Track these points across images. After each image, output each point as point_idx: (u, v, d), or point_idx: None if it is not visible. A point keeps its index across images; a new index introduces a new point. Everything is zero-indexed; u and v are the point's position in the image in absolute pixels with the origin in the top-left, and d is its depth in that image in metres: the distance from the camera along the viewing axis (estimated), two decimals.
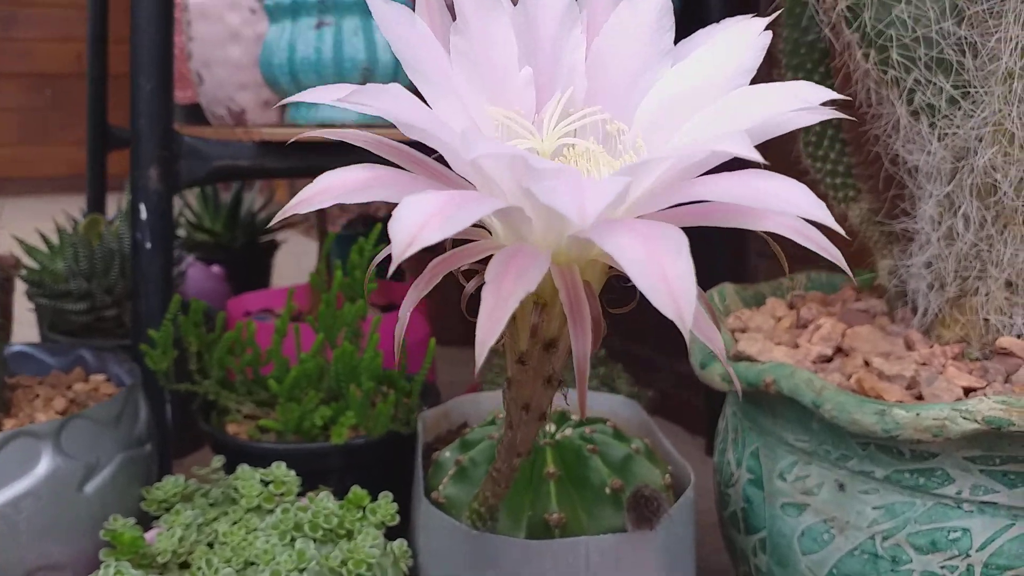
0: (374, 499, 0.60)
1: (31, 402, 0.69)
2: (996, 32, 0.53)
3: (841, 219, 0.69)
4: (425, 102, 0.33)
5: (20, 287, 1.08)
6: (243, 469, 0.64)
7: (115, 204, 1.20)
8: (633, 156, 0.34)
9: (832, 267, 0.78)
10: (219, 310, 0.90)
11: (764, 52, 0.33)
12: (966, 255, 0.57)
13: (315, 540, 0.57)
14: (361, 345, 0.77)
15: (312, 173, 0.31)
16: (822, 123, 0.68)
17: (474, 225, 0.36)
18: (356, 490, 0.60)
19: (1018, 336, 0.55)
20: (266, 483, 0.63)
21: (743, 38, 0.33)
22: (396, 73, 0.82)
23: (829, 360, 0.60)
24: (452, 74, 0.34)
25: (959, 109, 0.56)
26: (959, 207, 0.56)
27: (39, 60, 3.59)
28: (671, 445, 0.63)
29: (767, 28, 0.33)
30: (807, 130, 0.69)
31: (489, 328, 0.25)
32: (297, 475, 0.63)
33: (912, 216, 0.62)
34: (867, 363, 0.57)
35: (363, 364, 0.73)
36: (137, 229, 0.76)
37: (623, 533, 0.52)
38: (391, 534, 0.60)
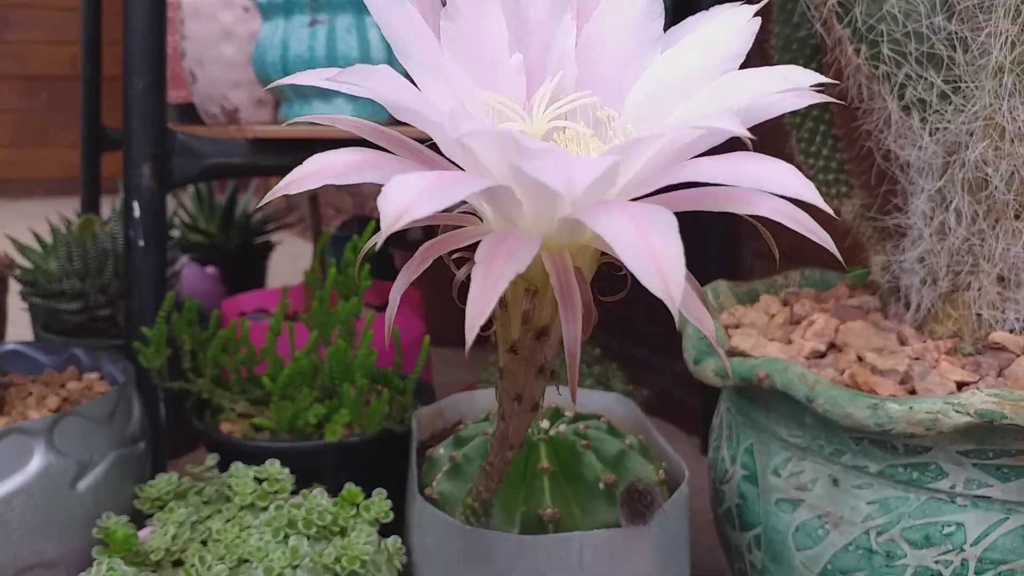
0: (368, 497, 0.60)
1: (24, 400, 0.68)
2: (986, 27, 0.53)
3: (834, 216, 0.69)
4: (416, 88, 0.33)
5: (14, 287, 1.08)
6: (237, 467, 0.63)
7: (110, 206, 1.20)
8: (623, 141, 0.34)
9: (826, 265, 0.78)
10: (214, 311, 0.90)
11: (753, 38, 0.33)
12: (958, 250, 0.57)
13: (309, 537, 0.57)
14: (355, 343, 0.77)
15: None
16: (814, 119, 0.68)
17: (465, 212, 0.37)
18: (350, 487, 0.60)
19: (1011, 331, 0.55)
20: (260, 481, 0.63)
21: (732, 24, 0.33)
22: None
23: (823, 356, 0.60)
24: (442, 60, 0.34)
25: (950, 104, 0.56)
26: (951, 202, 0.56)
27: (34, 62, 3.59)
28: (666, 442, 0.63)
29: (757, 15, 0.33)
30: (799, 127, 0.69)
31: (478, 308, 0.25)
32: (291, 473, 0.63)
33: (904, 211, 0.62)
34: (860, 358, 0.57)
35: (357, 362, 0.73)
36: (130, 227, 0.76)
37: (617, 528, 0.52)
38: (385, 532, 0.59)
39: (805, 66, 0.67)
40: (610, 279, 0.37)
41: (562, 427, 0.60)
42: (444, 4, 0.34)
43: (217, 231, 1.49)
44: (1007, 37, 0.52)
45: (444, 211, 0.35)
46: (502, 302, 0.37)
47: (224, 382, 0.78)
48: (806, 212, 0.31)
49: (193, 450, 1.01)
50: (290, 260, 1.86)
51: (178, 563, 0.58)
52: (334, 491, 0.62)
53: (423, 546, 0.56)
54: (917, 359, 0.55)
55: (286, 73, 0.81)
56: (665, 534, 0.53)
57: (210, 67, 0.92)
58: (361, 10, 0.80)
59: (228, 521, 0.60)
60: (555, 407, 0.63)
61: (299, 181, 0.30)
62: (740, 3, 0.34)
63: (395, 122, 0.34)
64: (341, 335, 0.76)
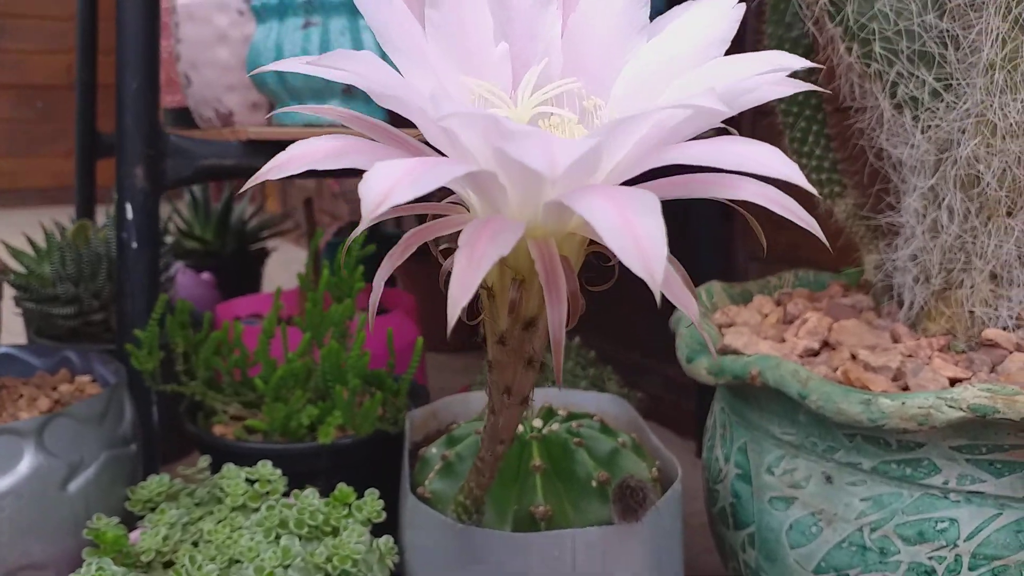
0: (361, 497, 0.60)
1: (15, 402, 0.68)
2: (977, 24, 0.54)
3: (827, 216, 0.69)
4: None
5: (8, 292, 1.08)
6: (228, 468, 0.63)
7: (104, 215, 1.20)
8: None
9: (819, 266, 0.78)
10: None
11: (738, 23, 0.33)
12: (951, 247, 0.57)
13: (300, 537, 0.57)
14: (348, 346, 0.77)
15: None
16: (807, 119, 0.69)
17: (452, 202, 0.36)
18: (342, 487, 0.60)
19: (1003, 328, 0.55)
20: (251, 482, 0.63)
21: (717, 9, 0.33)
22: None
23: (816, 354, 0.60)
24: (427, 49, 0.34)
25: (942, 101, 0.56)
26: (943, 199, 0.56)
27: (30, 72, 3.60)
28: (659, 442, 0.63)
29: (741, 0, 0.33)
30: (792, 126, 0.69)
31: (461, 289, 0.25)
32: (284, 475, 0.63)
33: (897, 210, 0.62)
34: (853, 356, 0.57)
35: (350, 363, 0.72)
36: (123, 229, 0.76)
37: (609, 526, 0.51)
38: (380, 533, 0.59)
39: None
40: (598, 270, 0.37)
41: (555, 426, 0.59)
42: None
43: (213, 238, 1.49)
44: (998, 34, 0.52)
45: (431, 201, 0.35)
46: (489, 292, 0.37)
47: (217, 385, 0.78)
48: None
49: (188, 455, 1.00)
50: (286, 267, 1.86)
51: (169, 564, 0.58)
52: (327, 493, 0.61)
53: (415, 545, 0.55)
54: (910, 356, 0.55)
55: (280, 76, 0.81)
56: (658, 532, 0.53)
57: (205, 71, 0.93)
58: (355, 12, 0.80)
59: (219, 522, 0.59)
60: (548, 406, 0.63)
61: (282, 166, 0.30)
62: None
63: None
64: (334, 337, 0.76)
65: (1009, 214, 0.54)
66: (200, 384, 0.76)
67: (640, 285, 0.26)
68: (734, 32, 0.33)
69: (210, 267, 1.42)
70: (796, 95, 0.69)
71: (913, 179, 0.59)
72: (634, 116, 0.26)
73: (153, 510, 0.62)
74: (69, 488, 0.62)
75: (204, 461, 0.68)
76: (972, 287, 0.56)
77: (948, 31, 0.55)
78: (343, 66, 0.29)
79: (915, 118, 0.58)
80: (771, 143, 0.29)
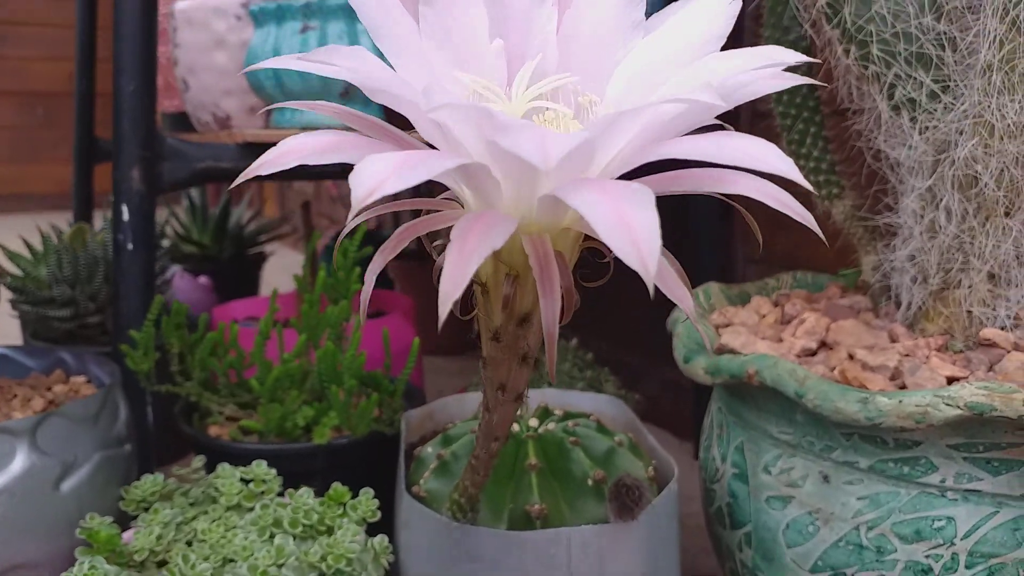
0: (356, 497, 0.60)
1: (9, 402, 0.68)
2: (974, 26, 0.54)
3: (825, 217, 0.69)
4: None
5: (4, 295, 1.07)
6: (223, 467, 0.63)
7: (102, 219, 1.20)
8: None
9: (818, 269, 0.78)
10: None
11: (734, 19, 0.33)
12: (949, 248, 0.57)
13: (295, 536, 0.56)
14: (344, 347, 0.77)
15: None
16: (805, 121, 0.69)
17: (446, 198, 0.36)
18: (336, 486, 0.59)
19: (1001, 327, 0.55)
20: (246, 482, 0.62)
21: (713, 6, 0.33)
22: None
23: (813, 354, 0.60)
24: (421, 45, 0.33)
25: (939, 103, 0.56)
26: (941, 200, 0.56)
27: (31, 79, 3.61)
28: (655, 441, 0.63)
29: None
30: (790, 128, 0.69)
31: (452, 282, 0.25)
32: (280, 476, 0.63)
33: (895, 211, 0.62)
34: (851, 356, 0.57)
35: (345, 364, 0.72)
36: (119, 230, 0.76)
37: (605, 524, 0.51)
38: (374, 533, 0.59)
39: (795, 68, 0.68)
40: (594, 266, 0.37)
41: (551, 425, 0.59)
42: None
43: (210, 242, 1.49)
44: (995, 36, 0.52)
45: (427, 198, 0.35)
46: (483, 288, 0.37)
47: (213, 386, 0.78)
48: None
49: (184, 456, 1.00)
50: (283, 271, 1.86)
51: (162, 563, 0.57)
52: (323, 494, 0.61)
53: (410, 544, 0.55)
54: (907, 355, 0.55)
55: (278, 80, 0.81)
56: (654, 530, 0.53)
57: (202, 75, 0.93)
58: (353, 17, 0.81)
59: (214, 522, 0.59)
60: (544, 406, 0.63)
61: (272, 161, 0.30)
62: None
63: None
64: (330, 338, 0.76)
65: (1007, 214, 0.54)
66: (196, 385, 0.76)
67: (637, 287, 0.26)
68: (730, 28, 0.33)
69: (208, 271, 1.42)
70: (794, 97, 0.69)
71: (911, 180, 0.59)
72: (629, 111, 0.26)
73: (147, 510, 0.62)
74: (62, 488, 0.61)
75: (199, 461, 0.67)
76: (970, 287, 0.56)
77: (946, 33, 0.55)
78: (335, 61, 0.29)
79: (913, 119, 0.58)
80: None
